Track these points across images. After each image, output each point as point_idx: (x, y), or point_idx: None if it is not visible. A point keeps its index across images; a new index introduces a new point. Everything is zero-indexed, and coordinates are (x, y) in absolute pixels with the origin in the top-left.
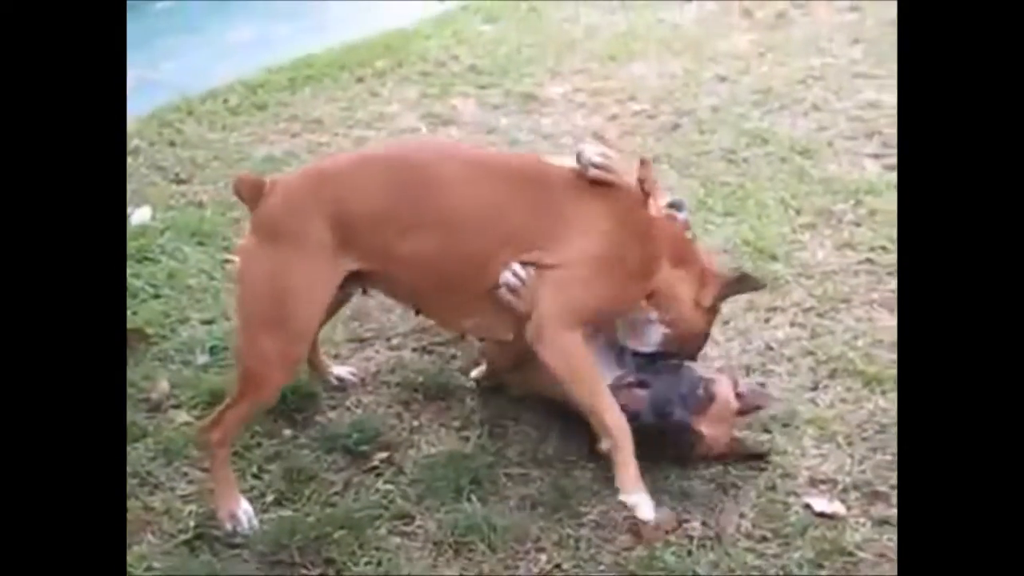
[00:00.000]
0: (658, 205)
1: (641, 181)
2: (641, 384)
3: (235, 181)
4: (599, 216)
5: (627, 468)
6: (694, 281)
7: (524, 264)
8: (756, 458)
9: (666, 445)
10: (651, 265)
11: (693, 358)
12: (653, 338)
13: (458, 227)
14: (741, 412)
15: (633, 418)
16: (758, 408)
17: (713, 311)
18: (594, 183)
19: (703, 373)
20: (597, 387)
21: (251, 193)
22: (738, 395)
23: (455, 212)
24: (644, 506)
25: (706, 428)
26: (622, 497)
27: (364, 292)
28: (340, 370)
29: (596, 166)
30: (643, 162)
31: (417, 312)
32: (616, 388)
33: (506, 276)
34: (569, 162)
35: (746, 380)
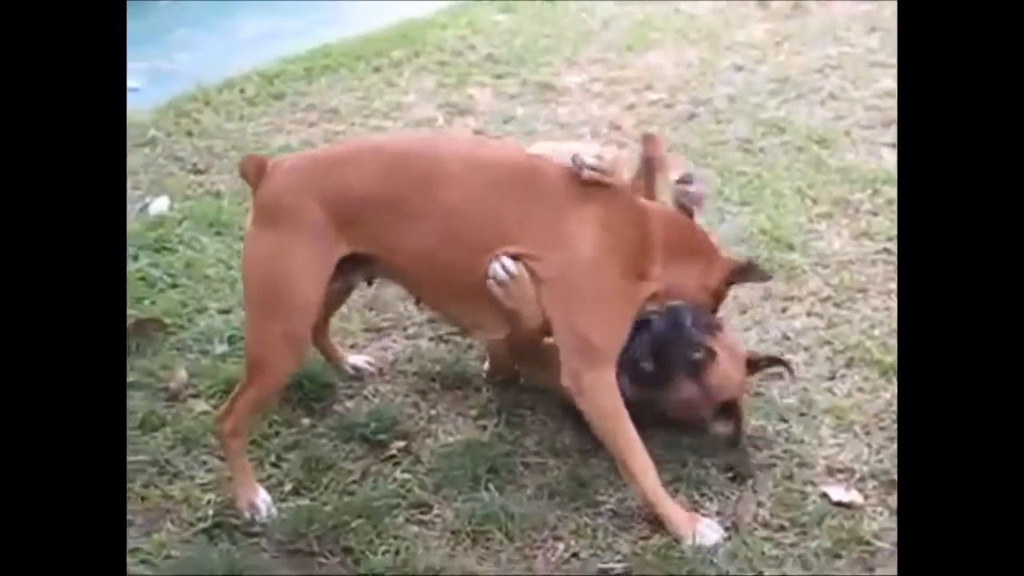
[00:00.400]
0: (669, 180)
1: (648, 160)
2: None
3: (241, 161)
4: (593, 218)
5: (671, 514)
6: (699, 265)
7: (514, 258)
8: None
9: (677, 362)
10: (648, 266)
11: None
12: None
13: (453, 221)
14: (750, 364)
15: (641, 336)
16: (769, 363)
17: (719, 293)
18: (588, 184)
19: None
20: (631, 441)
21: (255, 173)
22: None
23: (450, 206)
24: (708, 533)
25: (718, 348)
26: (687, 544)
27: (369, 283)
28: (356, 359)
29: (590, 167)
30: (648, 139)
31: (417, 301)
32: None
33: (495, 268)
34: (578, 147)
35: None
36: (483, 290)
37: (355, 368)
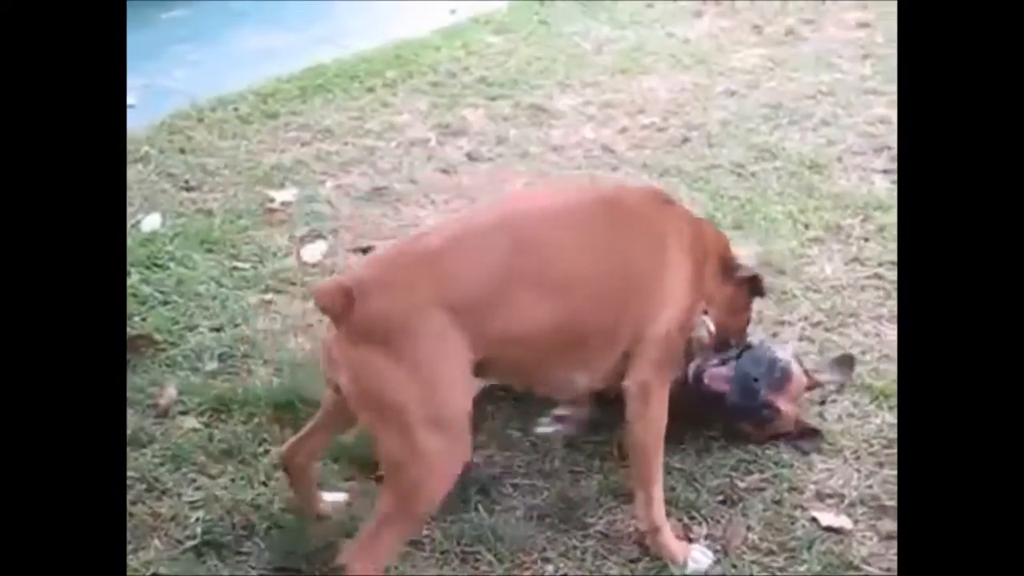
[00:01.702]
0: None
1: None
2: (723, 362)
3: (316, 295)
4: (682, 235)
5: (669, 541)
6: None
7: None
8: (813, 433)
9: (744, 421)
10: (708, 274)
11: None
12: (703, 332)
13: (578, 286)
14: (807, 387)
15: (717, 399)
16: (819, 384)
17: (751, 306)
18: (666, 202)
19: (775, 352)
20: (660, 461)
21: (342, 302)
22: (805, 372)
23: (571, 273)
24: (700, 558)
25: (783, 405)
26: (678, 568)
27: None
28: (332, 496)
29: None
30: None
31: (525, 392)
32: (701, 371)
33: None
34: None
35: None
36: (612, 342)
37: (332, 505)
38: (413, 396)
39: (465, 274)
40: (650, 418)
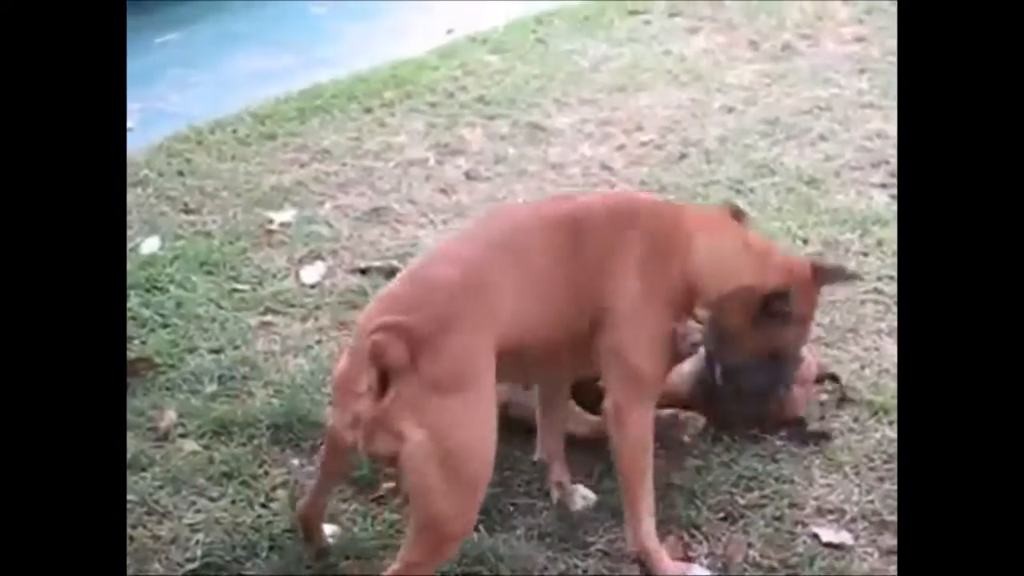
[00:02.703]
0: None
1: None
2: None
3: (377, 349)
4: (639, 252)
5: (662, 560)
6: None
7: None
8: (821, 437)
9: (754, 405)
10: (691, 290)
11: None
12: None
13: (556, 295)
14: (818, 379)
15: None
16: (831, 378)
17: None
18: (645, 216)
19: None
20: (647, 480)
21: (406, 352)
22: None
23: (549, 282)
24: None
25: (795, 388)
26: None
27: None
28: (329, 529)
29: None
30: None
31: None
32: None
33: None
34: None
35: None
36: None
37: (331, 536)
38: (480, 446)
39: (495, 298)
40: (628, 440)
